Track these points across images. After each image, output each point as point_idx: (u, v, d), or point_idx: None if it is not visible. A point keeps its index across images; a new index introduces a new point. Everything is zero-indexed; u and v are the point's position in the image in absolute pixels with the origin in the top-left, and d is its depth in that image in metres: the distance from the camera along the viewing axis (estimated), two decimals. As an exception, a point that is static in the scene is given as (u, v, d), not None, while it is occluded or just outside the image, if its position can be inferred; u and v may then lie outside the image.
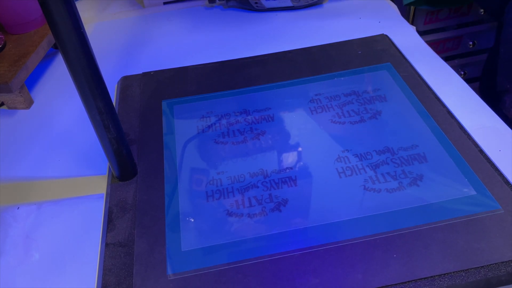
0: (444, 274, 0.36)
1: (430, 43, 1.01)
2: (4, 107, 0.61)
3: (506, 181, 0.42)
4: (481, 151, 0.45)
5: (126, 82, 0.60)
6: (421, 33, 1.02)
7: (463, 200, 0.41)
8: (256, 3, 0.73)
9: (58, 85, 0.64)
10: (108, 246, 0.41)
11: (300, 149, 0.48)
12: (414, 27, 0.67)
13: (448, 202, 0.41)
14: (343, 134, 0.49)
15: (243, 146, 0.49)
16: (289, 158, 0.47)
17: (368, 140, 0.48)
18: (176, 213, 0.42)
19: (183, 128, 0.51)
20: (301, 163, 0.46)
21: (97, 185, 0.48)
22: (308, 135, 0.49)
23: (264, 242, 0.39)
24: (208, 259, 0.38)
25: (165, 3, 0.79)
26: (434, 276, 0.36)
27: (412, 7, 0.96)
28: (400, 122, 0.49)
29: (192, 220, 0.42)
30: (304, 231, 0.40)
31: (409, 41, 0.63)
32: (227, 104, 0.54)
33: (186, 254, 0.39)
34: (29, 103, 0.60)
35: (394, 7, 0.73)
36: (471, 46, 1.03)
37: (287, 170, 0.45)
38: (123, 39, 0.72)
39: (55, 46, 0.68)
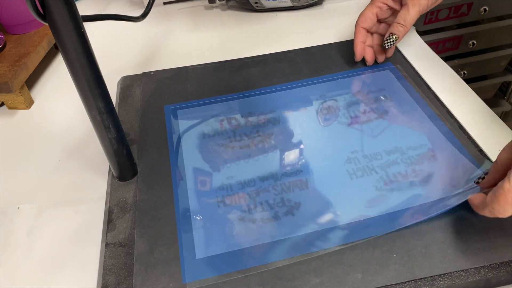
0: (444, 274, 0.36)
1: (430, 43, 1.01)
2: (4, 107, 0.61)
3: (506, 181, 0.42)
4: (481, 151, 0.45)
5: (126, 82, 0.60)
6: (421, 33, 1.02)
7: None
8: (256, 3, 0.73)
9: (58, 85, 0.64)
10: (108, 246, 0.41)
11: (308, 151, 0.48)
12: (414, 27, 0.67)
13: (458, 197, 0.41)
14: (351, 135, 0.49)
15: (250, 149, 0.48)
16: (298, 160, 0.47)
17: (377, 140, 0.48)
18: (188, 216, 0.42)
19: (185, 128, 0.51)
20: (311, 165, 0.46)
21: (97, 185, 0.48)
22: (315, 137, 0.49)
23: (279, 246, 0.39)
24: (222, 267, 0.38)
25: (165, 3, 0.79)
26: (434, 276, 0.36)
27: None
28: (407, 122, 0.49)
29: (199, 218, 0.41)
30: (319, 234, 0.39)
31: (409, 41, 0.63)
32: (231, 107, 0.54)
33: (201, 262, 0.38)
34: (29, 103, 0.60)
35: (394, 7, 0.73)
36: (471, 46, 1.03)
37: (298, 173, 0.45)
38: (123, 39, 0.72)
39: (55, 46, 0.68)
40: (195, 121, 0.52)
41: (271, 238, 0.40)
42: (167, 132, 0.51)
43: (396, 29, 0.51)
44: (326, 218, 0.41)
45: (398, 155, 0.46)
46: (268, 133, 0.50)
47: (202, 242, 0.40)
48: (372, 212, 0.41)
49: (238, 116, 0.52)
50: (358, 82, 0.56)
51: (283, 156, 0.47)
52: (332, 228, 0.40)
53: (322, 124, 0.51)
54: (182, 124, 0.52)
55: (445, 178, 0.43)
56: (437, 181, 0.43)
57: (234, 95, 0.55)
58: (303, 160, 0.47)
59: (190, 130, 0.51)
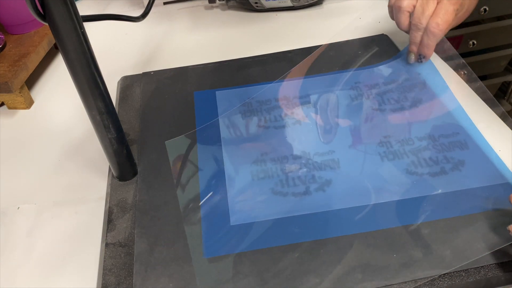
0: (444, 274, 0.36)
1: (430, 43, 1.01)
2: (4, 107, 0.61)
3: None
4: (481, 151, 0.45)
5: (126, 82, 0.60)
6: (421, 33, 1.01)
7: (502, 187, 0.41)
8: (256, 3, 0.73)
9: (58, 85, 0.64)
10: (108, 246, 0.41)
11: (342, 132, 0.49)
12: (414, 27, 0.67)
13: (487, 188, 0.41)
14: (384, 120, 0.50)
15: (284, 129, 0.50)
16: (331, 141, 0.48)
17: (409, 126, 0.49)
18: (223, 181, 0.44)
19: (222, 109, 0.53)
20: (344, 146, 0.47)
21: (97, 185, 0.48)
22: (349, 120, 0.50)
23: (308, 222, 0.40)
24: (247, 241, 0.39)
25: (165, 3, 0.79)
26: (434, 276, 0.36)
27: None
28: (440, 110, 0.50)
29: (233, 187, 0.44)
30: (348, 212, 0.41)
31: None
32: (267, 92, 0.55)
33: (235, 229, 0.40)
34: (29, 103, 0.60)
35: (394, 7, 0.73)
36: (471, 46, 1.03)
37: (330, 153, 0.46)
38: (123, 39, 0.72)
39: (55, 46, 0.68)
40: (232, 103, 0.54)
41: (300, 211, 0.41)
42: (195, 112, 0.53)
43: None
44: (356, 196, 0.42)
45: (429, 142, 0.47)
46: (302, 115, 0.51)
47: (236, 210, 0.42)
48: (402, 195, 0.42)
49: (272, 99, 0.54)
50: (392, 70, 0.56)
51: (317, 137, 0.49)
52: (362, 206, 0.41)
53: (356, 109, 0.51)
54: (220, 104, 0.54)
55: (474, 168, 0.44)
56: (468, 171, 0.43)
57: (269, 82, 0.57)
58: (336, 141, 0.48)
59: (227, 111, 0.53)
